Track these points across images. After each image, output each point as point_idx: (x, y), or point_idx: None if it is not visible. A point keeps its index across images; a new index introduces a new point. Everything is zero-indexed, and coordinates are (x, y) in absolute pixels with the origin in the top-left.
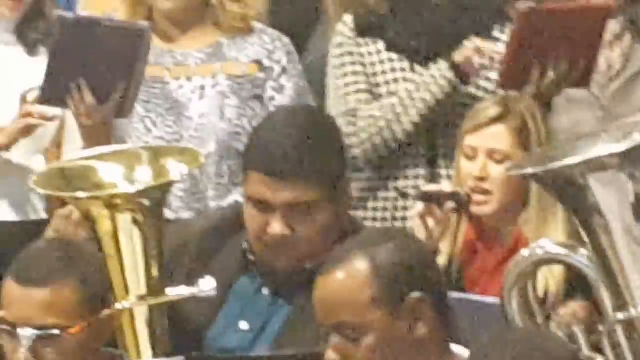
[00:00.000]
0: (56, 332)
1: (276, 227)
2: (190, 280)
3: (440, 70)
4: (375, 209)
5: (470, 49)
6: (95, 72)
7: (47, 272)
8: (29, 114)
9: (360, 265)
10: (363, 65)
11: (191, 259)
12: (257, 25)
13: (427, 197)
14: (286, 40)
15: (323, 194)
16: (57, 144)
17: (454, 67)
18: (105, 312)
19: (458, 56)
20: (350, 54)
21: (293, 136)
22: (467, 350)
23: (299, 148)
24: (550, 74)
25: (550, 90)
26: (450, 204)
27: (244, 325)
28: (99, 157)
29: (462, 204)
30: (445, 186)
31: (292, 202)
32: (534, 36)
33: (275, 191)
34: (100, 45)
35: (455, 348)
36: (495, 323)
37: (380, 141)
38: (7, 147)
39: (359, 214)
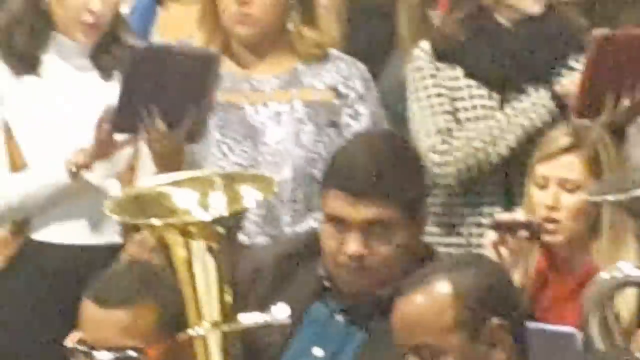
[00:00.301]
0: (134, 354)
1: (353, 245)
2: (264, 307)
3: (541, 99)
4: (449, 234)
5: (572, 81)
6: (166, 98)
7: (126, 293)
8: (104, 140)
9: (443, 288)
10: (445, 87)
11: (265, 285)
12: (333, 51)
13: (500, 226)
14: (362, 66)
15: (401, 214)
16: (131, 168)
17: (555, 97)
18: (182, 335)
19: (559, 87)
20: (433, 76)
21: (373, 155)
22: None
23: (378, 166)
24: (625, 102)
25: (624, 119)
26: (523, 233)
27: (317, 351)
28: (174, 183)
29: (535, 233)
30: (519, 215)
31: (370, 220)
32: (608, 63)
33: (353, 208)
34: (171, 72)
35: None
36: (568, 353)
37: (475, 162)
38: (87, 167)
39: (435, 239)
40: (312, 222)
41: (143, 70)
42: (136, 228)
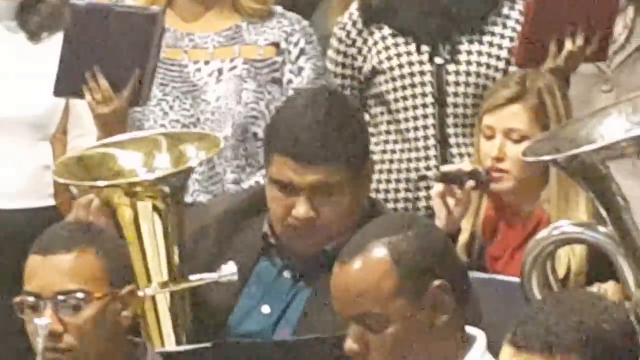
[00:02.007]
0: (80, 295)
1: (301, 209)
2: (210, 266)
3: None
4: (397, 190)
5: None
6: (109, 59)
7: (69, 240)
8: None
9: (380, 254)
10: (353, 68)
11: (210, 244)
12: (277, 8)
13: (446, 178)
14: (305, 22)
15: (347, 176)
16: (63, 130)
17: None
18: (128, 287)
19: None
20: (345, 55)
21: (315, 118)
22: (482, 332)
23: (324, 130)
24: (567, 49)
25: (567, 66)
26: (470, 183)
27: (265, 309)
28: (118, 144)
29: (482, 181)
30: (465, 165)
31: (318, 184)
32: (548, 10)
33: (300, 174)
34: (113, 32)
35: (472, 330)
36: (519, 302)
37: None
38: None
39: (382, 196)
40: (255, 179)
41: (84, 31)
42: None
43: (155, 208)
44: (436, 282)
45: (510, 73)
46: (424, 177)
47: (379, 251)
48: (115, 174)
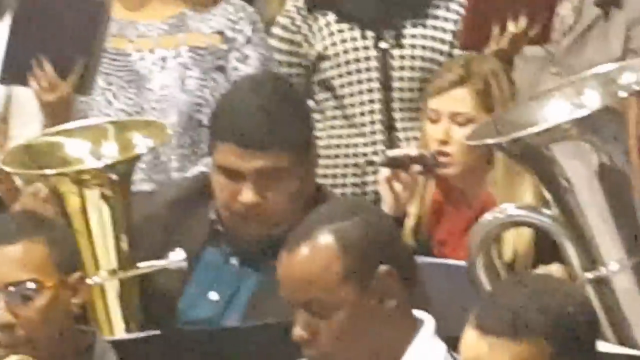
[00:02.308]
0: (32, 285)
1: (247, 195)
2: (157, 254)
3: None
4: (344, 175)
5: None
6: (56, 47)
7: (17, 230)
8: None
9: (327, 241)
10: (299, 55)
11: (157, 232)
12: None
13: (392, 162)
14: (250, 9)
15: (292, 161)
16: (3, 118)
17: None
18: (77, 274)
19: None
20: (291, 42)
21: (260, 104)
22: (430, 317)
23: (267, 116)
24: (510, 31)
25: (511, 48)
26: (416, 167)
27: (213, 295)
28: (65, 133)
29: (428, 165)
30: (411, 149)
31: (263, 170)
32: None
33: (245, 160)
34: (59, 20)
35: (420, 315)
36: (465, 285)
37: None
38: None
39: (329, 181)
40: (200, 167)
41: (30, 19)
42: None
43: (103, 196)
44: (383, 268)
45: (455, 56)
46: (371, 163)
47: (326, 238)
48: (63, 162)
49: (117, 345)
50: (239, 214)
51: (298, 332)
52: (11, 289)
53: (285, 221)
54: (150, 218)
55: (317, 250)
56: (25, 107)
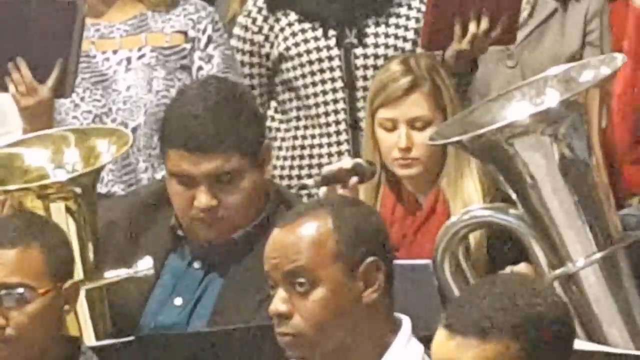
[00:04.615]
0: (21, 290)
1: (202, 199)
2: (123, 259)
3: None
4: (309, 176)
5: None
6: (32, 50)
7: (13, 234)
8: None
9: (325, 218)
10: (260, 56)
11: (120, 238)
12: None
13: (328, 180)
14: (211, 9)
15: (244, 162)
16: None
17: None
18: (70, 282)
19: None
20: (252, 42)
21: (205, 107)
22: (407, 317)
23: (215, 119)
24: (472, 32)
25: (473, 49)
26: (354, 179)
27: (178, 301)
28: (23, 144)
29: (365, 175)
30: (345, 162)
31: (215, 173)
32: None
33: (196, 165)
34: (35, 23)
35: (398, 315)
36: (425, 284)
37: None
38: None
39: (294, 181)
40: None
41: (5, 23)
42: None
43: (67, 209)
44: (371, 258)
45: (386, 62)
46: (304, 187)
47: (323, 216)
48: (23, 173)
49: (98, 351)
50: (197, 219)
51: (276, 305)
52: (4, 291)
53: (243, 223)
54: (114, 225)
55: (313, 223)
56: (8, 115)
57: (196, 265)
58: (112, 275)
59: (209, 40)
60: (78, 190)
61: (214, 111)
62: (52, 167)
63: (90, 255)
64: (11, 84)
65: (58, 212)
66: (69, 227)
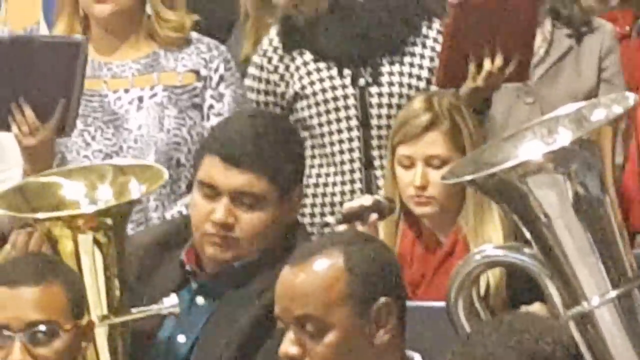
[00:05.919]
0: (50, 327)
1: (220, 213)
2: (132, 299)
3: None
4: (323, 215)
5: None
6: (35, 90)
7: (35, 272)
8: None
9: (336, 259)
10: (275, 95)
11: (132, 275)
12: (194, 34)
13: (348, 217)
14: (223, 48)
15: (272, 191)
16: None
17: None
18: (86, 319)
19: None
20: (267, 82)
21: (253, 125)
22: (419, 355)
23: (257, 139)
24: (486, 69)
25: (487, 86)
26: (373, 216)
27: (181, 338)
28: (62, 174)
29: (384, 212)
30: (365, 199)
31: (241, 190)
32: (467, 29)
33: (226, 176)
34: (38, 63)
35: (410, 353)
36: (443, 326)
37: None
38: None
39: (307, 220)
40: (179, 208)
41: (9, 63)
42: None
43: (96, 241)
44: (383, 299)
45: (411, 99)
46: (326, 224)
47: (334, 256)
48: (57, 205)
49: None
50: (208, 234)
51: (287, 348)
52: (31, 329)
53: (252, 251)
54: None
55: (323, 265)
56: (7, 151)
57: (199, 300)
58: (138, 311)
59: (221, 79)
60: (108, 222)
61: (258, 133)
62: (86, 202)
63: (116, 290)
64: (14, 124)
65: (86, 244)
66: (95, 259)
